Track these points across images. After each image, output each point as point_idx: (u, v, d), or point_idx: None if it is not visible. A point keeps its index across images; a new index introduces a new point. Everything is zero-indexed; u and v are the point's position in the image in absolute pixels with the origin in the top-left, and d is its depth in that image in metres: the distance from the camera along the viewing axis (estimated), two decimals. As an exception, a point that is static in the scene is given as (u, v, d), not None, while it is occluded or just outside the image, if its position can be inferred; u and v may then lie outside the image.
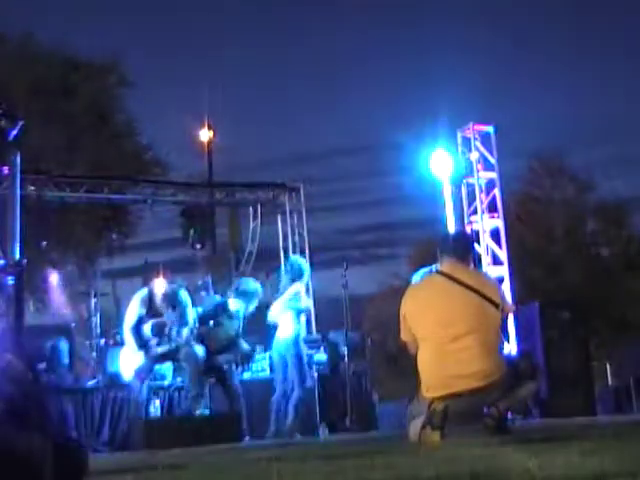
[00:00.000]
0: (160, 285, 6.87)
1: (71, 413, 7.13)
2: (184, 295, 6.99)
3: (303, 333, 7.20)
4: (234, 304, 7.20)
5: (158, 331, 6.79)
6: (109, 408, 7.30)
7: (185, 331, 6.79)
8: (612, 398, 11.49)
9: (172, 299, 6.84)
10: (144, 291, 6.89)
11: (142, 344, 6.74)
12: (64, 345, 8.14)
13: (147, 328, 6.78)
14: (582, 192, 22.04)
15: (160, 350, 6.76)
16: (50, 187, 10.64)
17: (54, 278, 10.07)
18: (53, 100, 15.66)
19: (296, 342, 6.80)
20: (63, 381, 7.86)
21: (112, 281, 12.11)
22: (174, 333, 6.77)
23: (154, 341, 6.77)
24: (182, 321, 6.83)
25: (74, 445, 1.91)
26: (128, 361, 6.85)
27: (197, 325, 7.04)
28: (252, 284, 7.34)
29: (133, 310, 6.84)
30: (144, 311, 6.81)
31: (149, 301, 6.83)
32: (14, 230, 2.38)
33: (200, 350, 6.92)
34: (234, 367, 7.37)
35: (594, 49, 36.92)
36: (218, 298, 7.84)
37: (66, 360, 8.07)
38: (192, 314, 6.98)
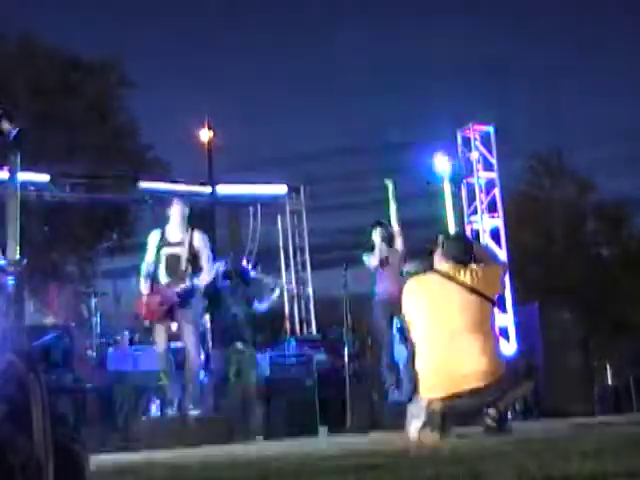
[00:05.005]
0: (174, 218, 6.61)
1: (71, 413, 7.12)
2: (202, 235, 6.70)
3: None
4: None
5: (172, 266, 6.48)
6: (109, 408, 7.29)
7: (200, 278, 6.49)
8: (612, 398, 11.49)
9: (187, 231, 6.57)
10: (158, 229, 6.72)
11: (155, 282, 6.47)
12: (58, 343, 8.09)
13: (162, 270, 6.50)
14: (582, 192, 22.05)
15: (177, 289, 6.37)
16: (50, 187, 10.64)
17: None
18: (53, 100, 15.66)
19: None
20: (62, 381, 7.85)
21: (112, 281, 12.09)
22: (188, 273, 6.45)
23: (167, 279, 6.46)
24: (197, 259, 6.53)
25: (75, 446, 1.91)
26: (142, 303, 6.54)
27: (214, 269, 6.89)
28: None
29: (149, 250, 6.61)
30: (157, 243, 6.56)
31: (163, 235, 6.60)
32: (14, 230, 2.37)
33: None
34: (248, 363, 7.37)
35: (594, 48, 36.95)
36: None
37: (58, 357, 8.00)
38: (208, 256, 6.62)
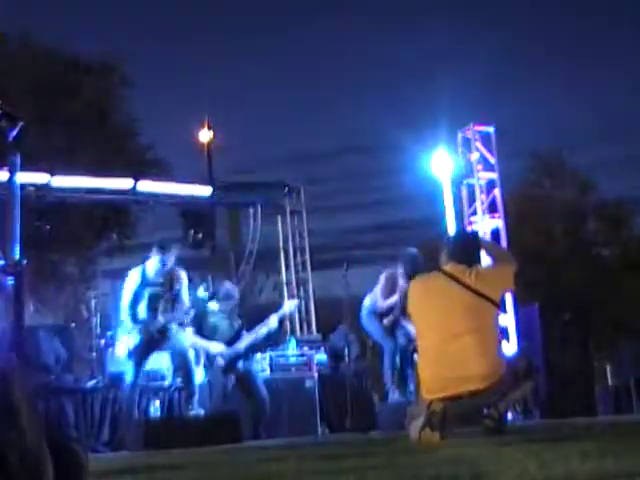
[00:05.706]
0: (155, 259, 6.72)
1: (71, 413, 7.12)
2: (182, 273, 6.84)
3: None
4: (212, 305, 7.24)
5: (153, 303, 6.65)
6: (109, 408, 7.29)
7: (180, 312, 6.67)
8: (612, 398, 11.48)
9: (168, 272, 6.70)
10: (139, 267, 6.84)
11: (137, 321, 6.62)
12: (49, 341, 8.08)
13: (142, 307, 6.66)
14: (582, 192, 22.03)
15: (153, 327, 6.59)
16: (50, 187, 10.63)
17: None
18: (53, 100, 15.65)
19: None
20: (62, 381, 7.84)
21: (112, 281, 12.10)
22: (167, 310, 6.62)
23: (147, 317, 6.63)
24: (177, 299, 6.70)
25: (73, 444, 1.91)
26: (125, 345, 6.73)
27: (192, 312, 7.04)
28: (227, 287, 7.40)
29: (129, 287, 6.73)
30: (138, 282, 6.68)
31: (143, 275, 6.72)
32: (14, 230, 2.38)
33: (217, 347, 6.95)
34: (255, 365, 7.36)
35: (595, 47, 36.95)
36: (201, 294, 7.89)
37: (51, 358, 8.00)
38: (187, 297, 6.81)
